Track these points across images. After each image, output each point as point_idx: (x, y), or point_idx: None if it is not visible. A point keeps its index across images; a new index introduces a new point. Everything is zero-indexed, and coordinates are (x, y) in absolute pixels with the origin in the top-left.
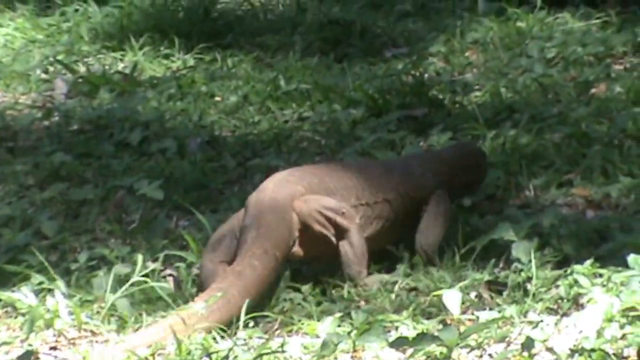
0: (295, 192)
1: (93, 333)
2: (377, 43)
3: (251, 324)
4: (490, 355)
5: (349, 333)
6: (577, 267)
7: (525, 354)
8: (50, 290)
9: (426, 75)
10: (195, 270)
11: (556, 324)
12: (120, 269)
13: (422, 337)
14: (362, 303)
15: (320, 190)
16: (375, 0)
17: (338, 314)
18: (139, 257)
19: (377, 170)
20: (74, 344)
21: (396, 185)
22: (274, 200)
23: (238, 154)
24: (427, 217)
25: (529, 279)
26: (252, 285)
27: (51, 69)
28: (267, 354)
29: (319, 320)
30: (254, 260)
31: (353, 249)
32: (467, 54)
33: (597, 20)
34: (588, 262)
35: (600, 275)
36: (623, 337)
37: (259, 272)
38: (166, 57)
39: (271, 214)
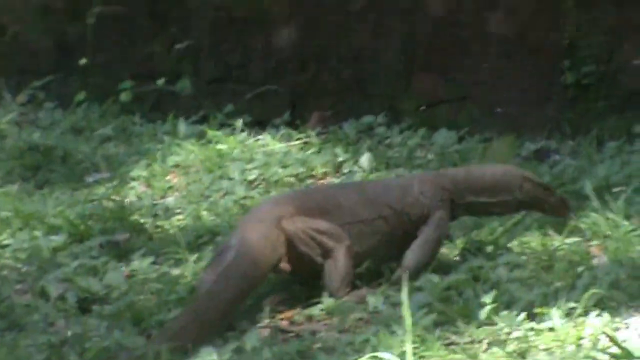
0: (284, 212)
1: None
2: (79, 168)
3: None
4: None
5: None
6: None
7: None
8: None
9: (127, 200)
10: None
11: None
12: None
13: None
14: None
15: (313, 210)
16: (76, 125)
17: None
18: None
19: (374, 189)
20: None
21: (392, 202)
22: (259, 221)
23: None
24: (419, 238)
25: None
26: (225, 306)
27: None
28: None
29: None
30: (230, 281)
31: (337, 267)
32: (168, 177)
33: (298, 142)
34: None
35: None
36: None
37: (233, 293)
38: None
39: (254, 234)
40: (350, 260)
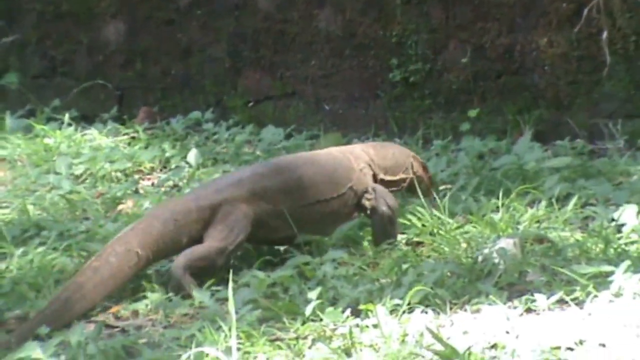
0: (234, 196)
1: None
2: None
3: None
4: None
5: None
6: None
7: None
8: None
9: None
10: None
11: None
12: None
13: None
14: None
15: (269, 193)
16: None
17: None
18: None
19: (332, 165)
20: None
21: (346, 179)
22: (195, 199)
23: None
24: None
25: None
26: (107, 280)
27: None
28: None
29: None
30: (112, 257)
31: (205, 250)
32: None
33: (125, 137)
34: None
35: None
36: None
37: (114, 269)
38: None
39: (165, 212)
40: (218, 259)
